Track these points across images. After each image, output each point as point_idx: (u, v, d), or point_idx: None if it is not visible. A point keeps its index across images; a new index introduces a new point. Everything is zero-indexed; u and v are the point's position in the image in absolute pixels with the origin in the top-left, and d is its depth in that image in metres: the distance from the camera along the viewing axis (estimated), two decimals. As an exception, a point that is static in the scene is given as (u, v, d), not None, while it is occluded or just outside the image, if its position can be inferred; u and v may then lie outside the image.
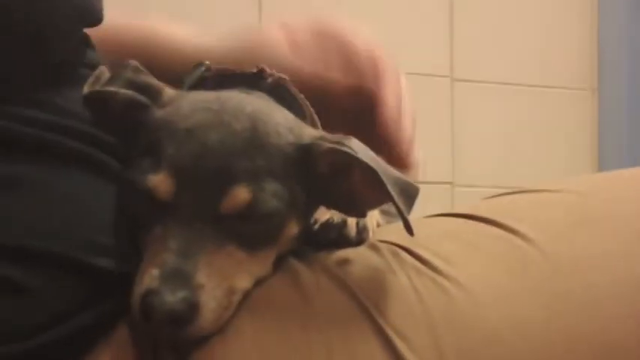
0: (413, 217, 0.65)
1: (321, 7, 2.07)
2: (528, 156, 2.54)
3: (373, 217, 0.74)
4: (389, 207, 0.88)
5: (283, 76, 0.79)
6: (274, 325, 0.61)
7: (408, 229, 0.63)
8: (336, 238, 0.69)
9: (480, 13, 2.58)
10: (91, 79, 0.70)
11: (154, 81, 0.71)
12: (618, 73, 2.61)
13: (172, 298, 0.59)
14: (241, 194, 0.63)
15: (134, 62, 0.71)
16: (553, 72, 2.63)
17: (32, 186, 0.61)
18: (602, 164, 2.60)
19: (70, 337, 0.61)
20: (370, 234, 0.70)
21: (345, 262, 0.66)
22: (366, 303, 0.61)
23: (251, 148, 0.64)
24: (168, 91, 0.71)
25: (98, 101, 0.69)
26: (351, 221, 0.70)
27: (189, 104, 0.68)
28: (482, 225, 0.68)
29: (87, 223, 0.63)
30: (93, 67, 0.72)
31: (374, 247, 0.67)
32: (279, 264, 0.67)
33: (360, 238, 0.69)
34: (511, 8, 2.60)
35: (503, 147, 2.54)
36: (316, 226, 0.69)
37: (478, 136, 2.53)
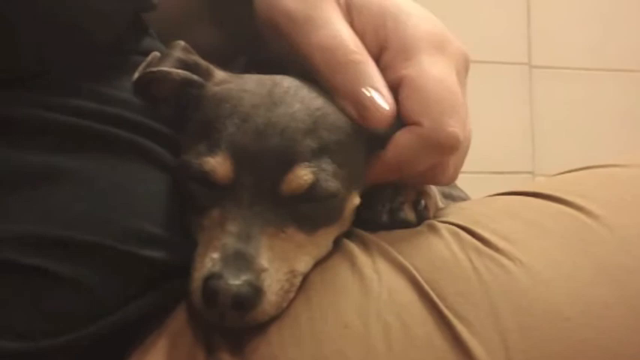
0: (474, 197, 0.63)
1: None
2: (610, 143, 2.47)
3: (434, 198, 0.72)
4: (450, 190, 0.86)
5: None
6: (331, 310, 0.60)
7: None
8: (391, 222, 0.67)
9: (557, -2, 2.54)
10: (142, 65, 0.69)
11: (203, 61, 0.70)
12: None
13: (237, 281, 0.58)
14: (304, 175, 0.62)
15: (182, 42, 0.71)
16: (635, 56, 2.56)
17: (77, 176, 0.60)
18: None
19: (118, 328, 0.61)
20: (431, 213, 0.69)
21: (402, 242, 0.64)
22: (425, 286, 0.59)
23: (311, 128, 0.63)
24: (220, 72, 0.70)
25: (148, 84, 0.68)
26: (408, 205, 0.68)
27: (247, 83, 0.67)
28: (545, 202, 0.65)
29: (134, 213, 0.62)
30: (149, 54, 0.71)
31: (432, 228, 0.65)
32: (335, 244, 0.66)
33: (421, 218, 0.67)
34: (589, -8, 2.55)
35: (584, 135, 2.48)
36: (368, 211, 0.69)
37: (558, 124, 2.48)
